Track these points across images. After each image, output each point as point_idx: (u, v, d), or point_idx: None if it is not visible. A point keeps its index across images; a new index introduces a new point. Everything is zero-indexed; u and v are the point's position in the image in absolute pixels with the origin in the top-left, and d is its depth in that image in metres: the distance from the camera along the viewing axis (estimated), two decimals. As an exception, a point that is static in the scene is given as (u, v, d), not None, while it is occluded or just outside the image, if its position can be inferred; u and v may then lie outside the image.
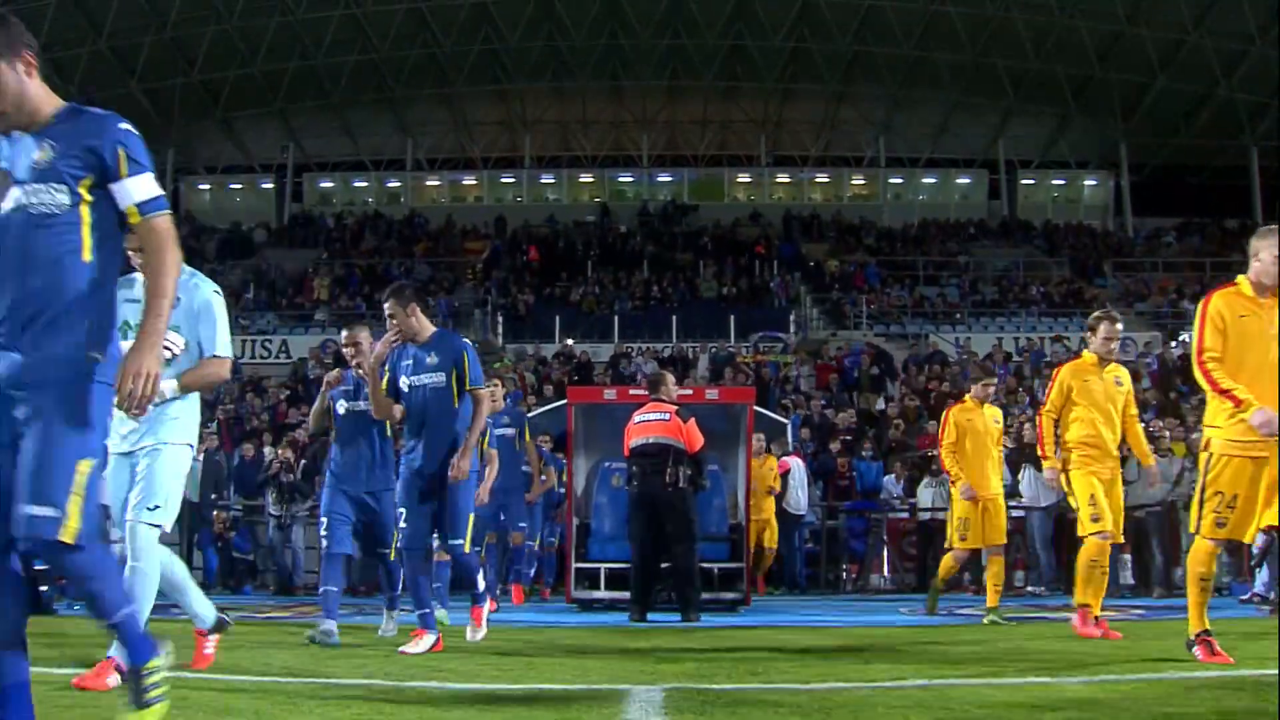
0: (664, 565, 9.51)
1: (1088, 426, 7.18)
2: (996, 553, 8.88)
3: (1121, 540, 7.61)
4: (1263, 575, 10.71)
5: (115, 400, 3.05)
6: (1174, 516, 13.58)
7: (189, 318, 4.62)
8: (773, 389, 19.80)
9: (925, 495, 15.01)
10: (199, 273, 4.79)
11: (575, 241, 31.94)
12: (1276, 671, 4.52)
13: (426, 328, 6.30)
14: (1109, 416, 7.22)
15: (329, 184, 36.57)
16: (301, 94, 33.61)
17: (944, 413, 9.21)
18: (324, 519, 7.04)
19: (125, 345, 3.11)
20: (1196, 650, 5.37)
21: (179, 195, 35.00)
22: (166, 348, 4.33)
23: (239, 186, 36.49)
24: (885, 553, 15.39)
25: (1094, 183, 35.87)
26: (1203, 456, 5.37)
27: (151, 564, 4.49)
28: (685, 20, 31.80)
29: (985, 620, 8.53)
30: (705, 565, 9.93)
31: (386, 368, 6.30)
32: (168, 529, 4.62)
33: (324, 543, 7.06)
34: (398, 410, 6.33)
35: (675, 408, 9.46)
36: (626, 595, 9.60)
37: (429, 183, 36.43)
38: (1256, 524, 5.25)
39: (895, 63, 32.55)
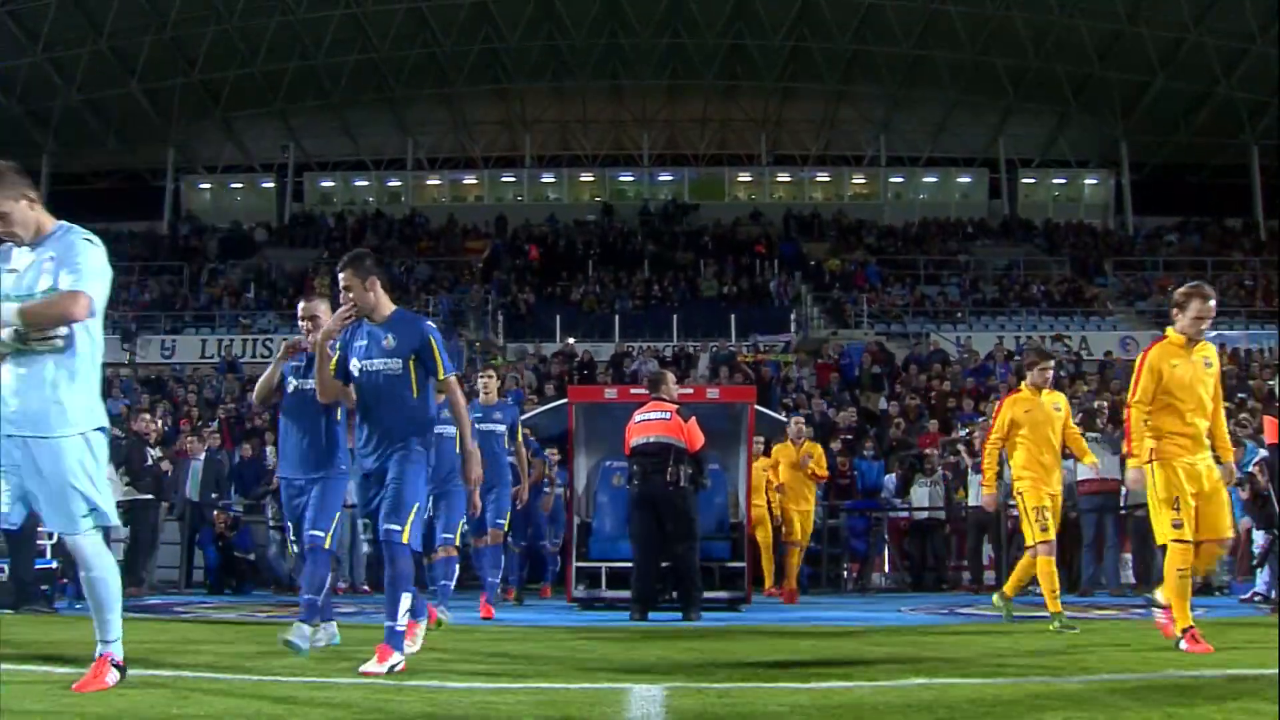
0: (665, 564, 9.52)
1: (1174, 415, 6.29)
2: (1048, 551, 7.88)
3: (1225, 548, 6.85)
4: (1263, 575, 10.71)
5: None
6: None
7: (55, 266, 4.29)
8: (774, 388, 19.81)
9: (919, 494, 15.05)
10: (77, 227, 4.43)
11: (576, 241, 31.98)
12: (1276, 671, 4.53)
13: (386, 305, 5.50)
14: (1200, 403, 6.29)
15: (329, 183, 36.59)
16: (302, 93, 33.61)
17: (998, 403, 8.43)
18: (288, 524, 6.65)
19: None
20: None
21: (179, 195, 35.05)
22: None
23: (239, 186, 36.49)
24: (886, 551, 15.42)
25: (1094, 181, 35.87)
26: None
27: (107, 568, 4.30)
28: (685, 20, 31.80)
29: (1052, 627, 7.65)
30: (706, 564, 9.95)
31: (338, 346, 5.60)
32: (115, 520, 4.46)
33: (293, 548, 6.83)
34: (351, 393, 5.65)
35: (676, 407, 9.46)
36: (627, 594, 9.60)
37: (430, 182, 36.43)
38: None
39: (895, 62, 32.54)
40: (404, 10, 30.87)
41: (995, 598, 8.52)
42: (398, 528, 5.21)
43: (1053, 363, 8.41)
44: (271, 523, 13.92)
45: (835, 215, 33.62)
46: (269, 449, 15.00)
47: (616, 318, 26.58)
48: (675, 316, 26.32)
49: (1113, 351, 22.70)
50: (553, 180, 36.60)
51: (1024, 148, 35.65)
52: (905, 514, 15.18)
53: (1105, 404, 14.77)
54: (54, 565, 10.29)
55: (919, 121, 35.40)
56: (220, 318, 26.48)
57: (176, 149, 34.22)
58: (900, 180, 36.37)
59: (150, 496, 12.71)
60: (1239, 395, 16.49)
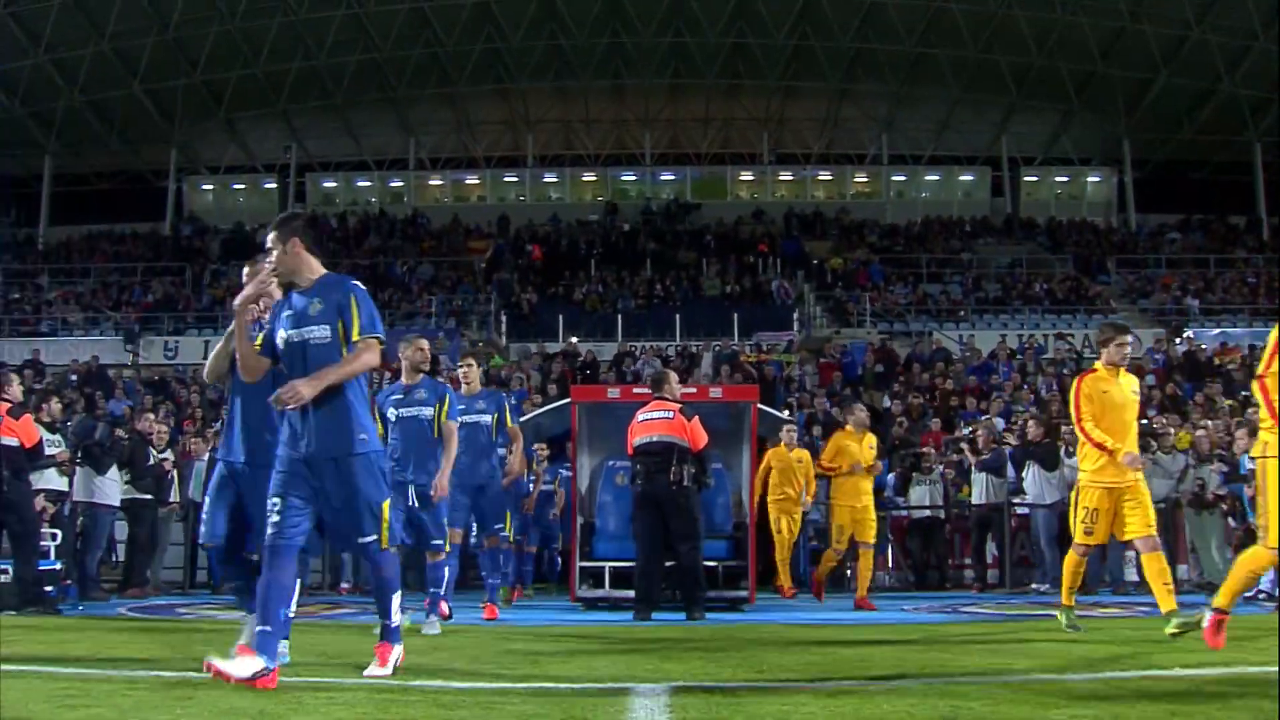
0: (669, 564, 9.52)
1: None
2: (1149, 547, 7.12)
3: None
4: (1268, 573, 10.69)
5: None
6: (1178, 515, 13.56)
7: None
8: (776, 387, 19.81)
9: (917, 493, 15.03)
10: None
11: (578, 240, 31.98)
12: (1278, 669, 4.52)
13: (313, 269, 4.91)
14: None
15: (332, 184, 36.61)
16: (304, 94, 33.62)
17: (1074, 385, 7.50)
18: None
19: None
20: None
21: (182, 196, 35.08)
22: None
23: (242, 187, 36.50)
24: (889, 550, 15.40)
25: (1097, 179, 35.81)
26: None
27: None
28: (687, 19, 31.79)
29: (1061, 621, 7.38)
30: (710, 563, 9.95)
31: (266, 322, 5.15)
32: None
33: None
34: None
35: (679, 406, 9.46)
36: (631, 594, 9.60)
37: (432, 182, 36.44)
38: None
39: (898, 60, 32.51)
40: (406, 10, 30.89)
41: (1059, 614, 7.56)
42: (374, 537, 4.80)
43: (1130, 338, 7.56)
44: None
45: (838, 214, 33.58)
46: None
47: (619, 317, 26.58)
48: (678, 316, 26.33)
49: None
50: (555, 180, 36.59)
51: (1026, 146, 35.61)
52: (905, 513, 15.16)
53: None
54: (57, 567, 10.30)
55: (921, 120, 35.36)
56: (223, 318, 26.42)
57: (179, 150, 34.25)
58: (903, 179, 36.33)
59: (150, 496, 12.72)
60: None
